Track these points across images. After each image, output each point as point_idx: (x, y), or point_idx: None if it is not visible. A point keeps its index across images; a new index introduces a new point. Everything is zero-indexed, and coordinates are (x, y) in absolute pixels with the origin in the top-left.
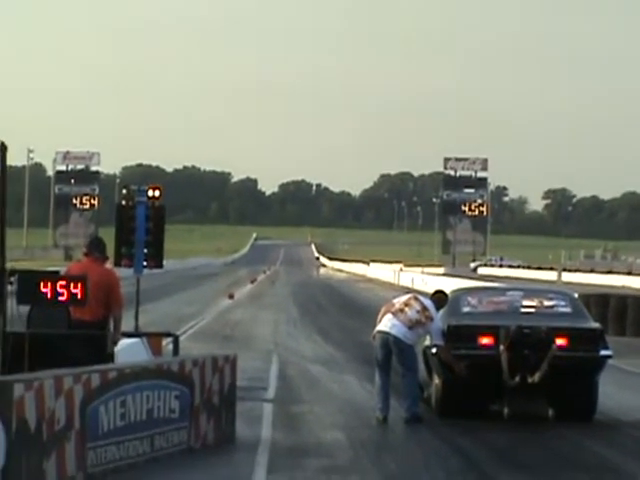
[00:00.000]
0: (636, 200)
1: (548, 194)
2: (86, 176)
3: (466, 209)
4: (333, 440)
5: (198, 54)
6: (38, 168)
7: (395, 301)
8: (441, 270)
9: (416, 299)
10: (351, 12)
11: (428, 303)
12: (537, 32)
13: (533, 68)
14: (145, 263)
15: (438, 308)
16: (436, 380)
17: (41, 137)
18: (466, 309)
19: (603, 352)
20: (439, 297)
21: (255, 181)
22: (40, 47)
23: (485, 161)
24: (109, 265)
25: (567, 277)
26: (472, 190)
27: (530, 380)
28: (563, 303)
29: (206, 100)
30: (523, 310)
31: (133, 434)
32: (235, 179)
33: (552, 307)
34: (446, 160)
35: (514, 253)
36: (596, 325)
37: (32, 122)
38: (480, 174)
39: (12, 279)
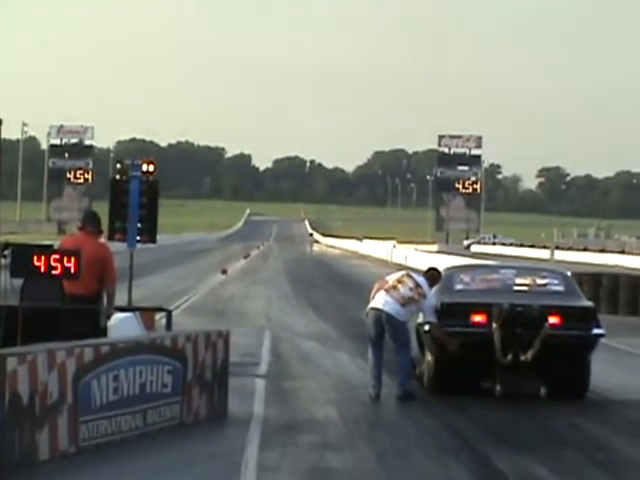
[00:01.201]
0: (629, 179)
1: (542, 172)
2: (80, 150)
3: (460, 186)
4: (325, 416)
5: (193, 29)
6: (32, 142)
7: (388, 278)
8: (434, 247)
9: (409, 276)
10: None
11: (421, 280)
12: (531, 9)
13: (528, 46)
14: (139, 238)
15: (431, 285)
16: (429, 357)
17: (35, 110)
18: (459, 287)
19: (596, 331)
20: (432, 274)
21: (249, 157)
22: (34, 21)
23: (479, 139)
24: (103, 239)
25: (560, 255)
26: (466, 168)
27: (523, 358)
28: (556, 281)
29: (201, 75)
30: (516, 288)
31: (126, 408)
32: (229, 154)
33: (545, 285)
34: (440, 137)
35: (507, 231)
36: (589, 304)
37: (26, 96)
38: (474, 152)
39: (6, 252)
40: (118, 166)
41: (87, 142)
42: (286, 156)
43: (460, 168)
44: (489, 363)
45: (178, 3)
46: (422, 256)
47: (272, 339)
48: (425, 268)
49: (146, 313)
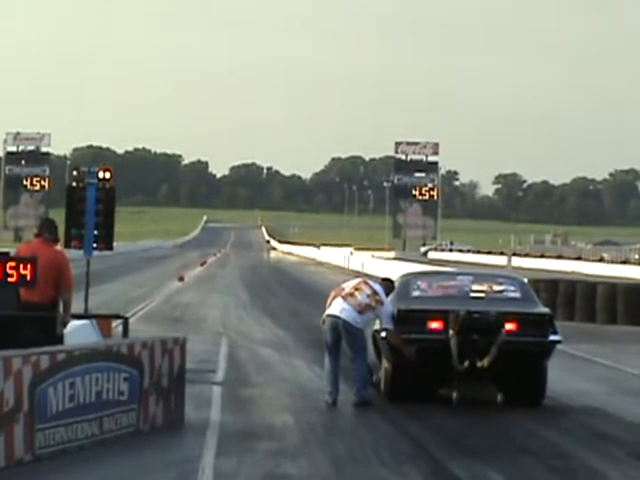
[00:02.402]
0: (586, 186)
1: (499, 179)
2: (37, 157)
3: (417, 193)
4: (282, 423)
5: (150, 36)
6: None
7: (345, 285)
8: (391, 254)
9: (366, 283)
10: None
11: (378, 287)
12: (486, 12)
13: (485, 52)
14: (95, 245)
15: (386, 295)
16: (385, 364)
17: None
18: (416, 293)
19: (552, 337)
20: (387, 285)
21: (206, 164)
22: None
23: (436, 145)
24: (59, 247)
25: (517, 262)
26: (423, 174)
27: (479, 365)
28: (512, 288)
29: (157, 82)
30: (473, 295)
31: (82, 416)
32: (186, 161)
33: (501, 292)
34: (397, 144)
35: (465, 238)
36: (545, 310)
37: None
38: (431, 158)
39: None
40: (75, 173)
41: (44, 149)
42: (243, 163)
43: (417, 175)
44: (446, 370)
45: (130, 10)
46: (379, 263)
47: (229, 346)
48: (382, 275)
49: (102, 320)
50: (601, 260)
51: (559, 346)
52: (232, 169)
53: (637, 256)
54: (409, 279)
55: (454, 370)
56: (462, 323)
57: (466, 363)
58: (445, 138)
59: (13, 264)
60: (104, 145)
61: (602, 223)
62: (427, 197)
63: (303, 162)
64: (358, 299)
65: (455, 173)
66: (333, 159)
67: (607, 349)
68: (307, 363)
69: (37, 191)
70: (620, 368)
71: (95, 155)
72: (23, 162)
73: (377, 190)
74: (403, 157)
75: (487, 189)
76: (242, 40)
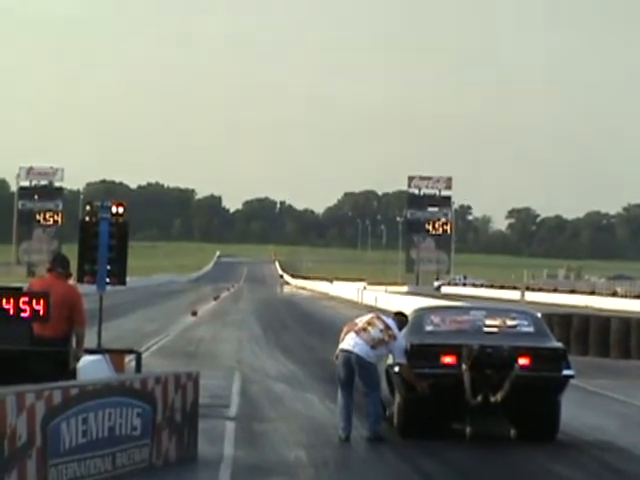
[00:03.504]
0: (599, 220)
1: (512, 213)
2: (50, 192)
3: (430, 228)
4: (295, 458)
5: (162, 70)
6: (1, 184)
7: (358, 320)
8: (404, 289)
9: (379, 318)
10: (317, 24)
11: (391, 322)
12: (496, 42)
13: (498, 88)
14: (108, 280)
15: (399, 329)
16: (398, 399)
17: (5, 152)
18: (429, 328)
19: (566, 372)
20: (400, 319)
21: (219, 198)
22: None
23: (449, 180)
24: (72, 281)
25: (530, 296)
26: (436, 209)
27: (493, 399)
28: (526, 322)
29: (170, 117)
30: (486, 329)
31: (95, 451)
32: (199, 196)
33: (515, 326)
34: (410, 179)
35: (478, 272)
36: (559, 345)
37: None
38: (444, 193)
39: None
40: (87, 208)
41: (57, 184)
42: (256, 197)
43: (430, 209)
44: (459, 404)
45: (147, 44)
46: (392, 298)
47: (242, 381)
48: (395, 310)
49: (116, 355)
50: (614, 294)
51: (573, 381)
52: (245, 204)
53: None
54: (422, 314)
55: (467, 405)
56: (475, 358)
57: (479, 398)
58: (458, 172)
59: (26, 299)
60: (117, 180)
61: (615, 257)
62: (440, 231)
63: (316, 197)
64: (371, 334)
65: (468, 207)
66: (346, 194)
67: (621, 384)
68: (320, 398)
69: (50, 226)
70: (634, 403)
71: (108, 190)
72: (36, 197)
73: (390, 225)
74: (416, 192)
75: (500, 223)
76: (255, 74)
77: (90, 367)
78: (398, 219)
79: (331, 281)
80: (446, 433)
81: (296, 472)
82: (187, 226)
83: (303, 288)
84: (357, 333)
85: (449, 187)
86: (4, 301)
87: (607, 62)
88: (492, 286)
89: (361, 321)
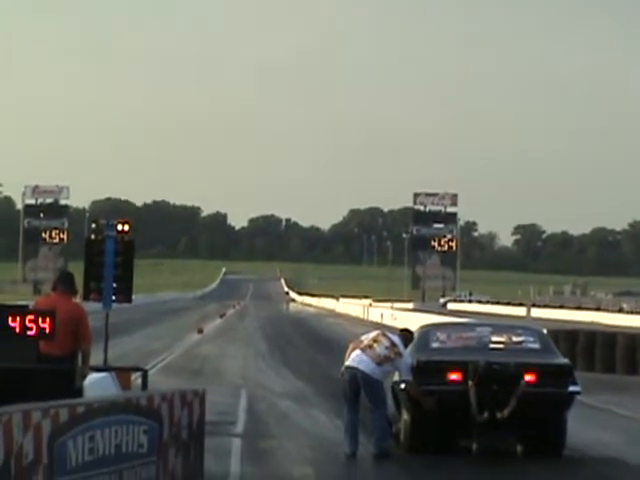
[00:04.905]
0: (605, 236)
1: (518, 229)
2: (55, 210)
3: (436, 244)
4: (302, 475)
5: (167, 89)
6: (7, 202)
7: (363, 337)
8: (410, 305)
9: (384, 335)
10: (317, 38)
11: (396, 339)
12: (502, 62)
13: (502, 104)
14: (114, 297)
15: (404, 346)
16: (405, 416)
17: (10, 170)
18: (435, 345)
19: (572, 388)
20: (405, 335)
21: (225, 215)
22: (5, 80)
23: (455, 196)
24: (77, 299)
25: (536, 313)
26: (442, 225)
27: (499, 416)
28: (532, 339)
29: (175, 134)
30: (492, 346)
31: (101, 469)
32: (204, 214)
33: (521, 343)
34: (415, 195)
35: (483, 288)
36: (565, 361)
37: (1, 155)
38: (450, 209)
39: None
40: (93, 226)
41: (62, 202)
42: (261, 215)
43: (436, 226)
44: (465, 421)
45: (149, 60)
46: (398, 314)
47: (248, 398)
48: (400, 327)
49: (122, 373)
50: (621, 310)
51: (579, 397)
52: (251, 221)
53: None
54: (428, 330)
55: (474, 421)
56: (481, 374)
57: (485, 414)
58: (463, 189)
59: (32, 317)
60: (123, 197)
61: (622, 273)
62: (446, 248)
63: (322, 214)
64: (377, 351)
65: (474, 224)
66: (352, 210)
67: (627, 399)
68: (327, 415)
69: (56, 244)
70: (639, 418)
71: (114, 207)
72: (42, 215)
73: (396, 241)
74: (422, 208)
75: (506, 240)
76: (259, 92)
77: (96, 385)
78: (404, 236)
79: (337, 298)
80: (452, 450)
81: None
82: (193, 243)
83: (309, 305)
84: (363, 350)
85: (455, 204)
86: (10, 319)
87: (617, 78)
88: (498, 302)
89: (367, 338)
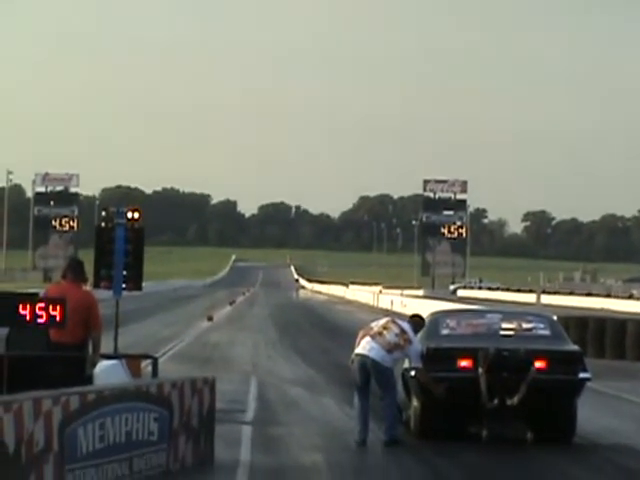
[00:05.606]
0: (615, 222)
1: (527, 216)
2: (65, 198)
3: (445, 231)
4: (312, 462)
5: (176, 76)
6: (17, 189)
7: (373, 324)
8: (420, 292)
9: (394, 322)
10: (331, 32)
11: (406, 326)
12: (513, 47)
13: (511, 90)
14: (124, 285)
15: (415, 332)
16: (415, 402)
17: (21, 158)
18: (445, 331)
19: (582, 375)
20: (416, 321)
21: (234, 203)
22: (16, 68)
23: (464, 183)
24: (88, 287)
25: (546, 299)
26: (451, 212)
27: (509, 402)
28: (542, 325)
29: (185, 121)
30: (502, 333)
31: (112, 456)
32: (214, 201)
33: (531, 330)
34: (425, 182)
35: (493, 275)
36: (575, 348)
37: (12, 143)
38: (459, 196)
39: None
40: (103, 214)
41: (72, 190)
42: (271, 202)
43: (445, 213)
44: (475, 408)
45: (161, 49)
46: (408, 301)
47: (258, 385)
48: (410, 313)
49: (132, 360)
50: (631, 297)
51: (589, 383)
52: (261, 208)
53: None
54: (438, 317)
55: (484, 408)
56: (491, 361)
57: (496, 401)
58: (473, 175)
59: (42, 305)
60: (133, 185)
61: (631, 260)
62: (456, 235)
63: (332, 201)
64: (387, 338)
65: (484, 211)
66: (361, 197)
67: (637, 386)
68: (337, 402)
69: (66, 232)
70: None
71: (124, 195)
72: (52, 203)
73: (406, 228)
74: (431, 195)
75: (516, 226)
76: (270, 80)
77: (107, 372)
78: (413, 222)
79: (347, 285)
80: (463, 436)
81: (313, 476)
82: (203, 231)
83: (319, 292)
84: (373, 337)
85: (464, 190)
86: (21, 307)
87: (625, 68)
88: (508, 289)
89: (377, 325)
